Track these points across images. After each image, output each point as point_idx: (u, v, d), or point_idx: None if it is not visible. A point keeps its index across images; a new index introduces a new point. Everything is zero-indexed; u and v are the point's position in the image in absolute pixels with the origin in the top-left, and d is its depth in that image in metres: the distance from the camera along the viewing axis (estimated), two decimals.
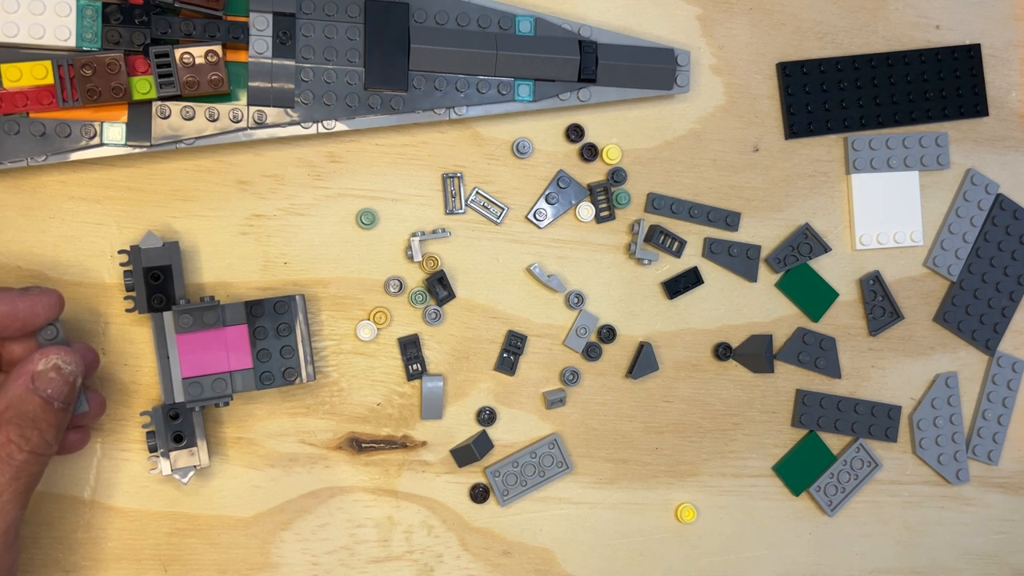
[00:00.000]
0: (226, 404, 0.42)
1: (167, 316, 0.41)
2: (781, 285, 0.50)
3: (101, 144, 0.41)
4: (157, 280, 0.41)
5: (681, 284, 0.48)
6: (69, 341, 0.39)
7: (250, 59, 0.42)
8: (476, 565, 0.47)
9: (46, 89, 0.40)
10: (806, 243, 0.50)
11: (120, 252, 0.41)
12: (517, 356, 0.47)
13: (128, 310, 0.41)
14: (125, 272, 0.41)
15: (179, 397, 0.41)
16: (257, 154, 0.45)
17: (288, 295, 0.43)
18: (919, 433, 0.51)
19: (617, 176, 0.47)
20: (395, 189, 0.46)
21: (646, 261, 0.48)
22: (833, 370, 0.50)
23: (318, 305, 0.45)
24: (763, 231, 0.50)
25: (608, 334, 0.48)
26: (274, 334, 0.42)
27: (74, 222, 0.43)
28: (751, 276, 0.49)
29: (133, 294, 0.41)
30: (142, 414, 0.41)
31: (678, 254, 0.48)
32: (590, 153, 0.47)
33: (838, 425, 0.50)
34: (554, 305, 0.48)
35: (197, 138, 0.42)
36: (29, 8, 0.40)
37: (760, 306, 0.50)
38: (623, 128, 0.48)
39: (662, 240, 0.48)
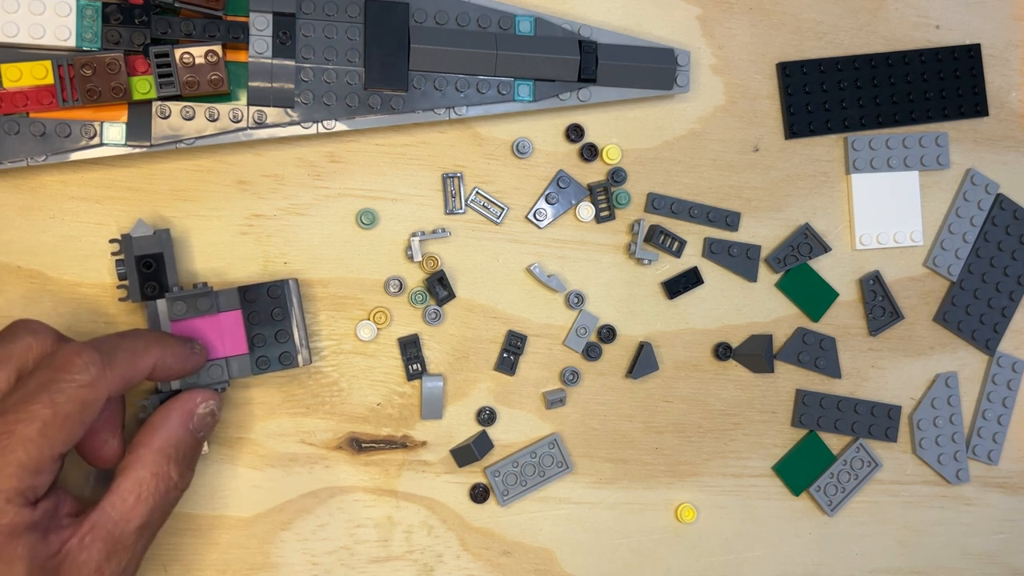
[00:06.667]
0: (223, 390, 0.42)
1: (161, 304, 0.41)
2: (781, 285, 0.50)
3: (101, 144, 0.41)
4: (149, 268, 0.41)
5: (681, 284, 0.48)
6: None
7: (250, 59, 0.42)
8: (476, 565, 0.47)
9: (46, 89, 0.40)
10: (806, 243, 0.50)
11: (111, 241, 0.41)
12: (517, 356, 0.47)
13: (122, 299, 0.41)
14: (117, 261, 0.41)
15: (175, 384, 0.41)
16: (257, 154, 0.45)
17: (281, 279, 0.42)
18: (919, 433, 0.51)
19: (617, 176, 0.47)
20: (395, 189, 0.46)
21: (646, 261, 0.48)
22: (833, 370, 0.50)
23: (318, 305, 0.45)
24: (763, 231, 0.50)
25: (608, 334, 0.48)
26: (269, 319, 0.42)
27: (74, 222, 0.43)
28: (751, 276, 0.49)
29: (126, 283, 0.41)
30: (139, 403, 0.41)
31: (678, 254, 0.48)
32: (590, 153, 0.47)
33: (838, 425, 0.50)
34: (554, 305, 0.48)
35: (197, 138, 0.42)
36: (29, 8, 0.40)
37: (760, 306, 0.50)
38: (623, 128, 0.48)
39: (662, 240, 0.48)
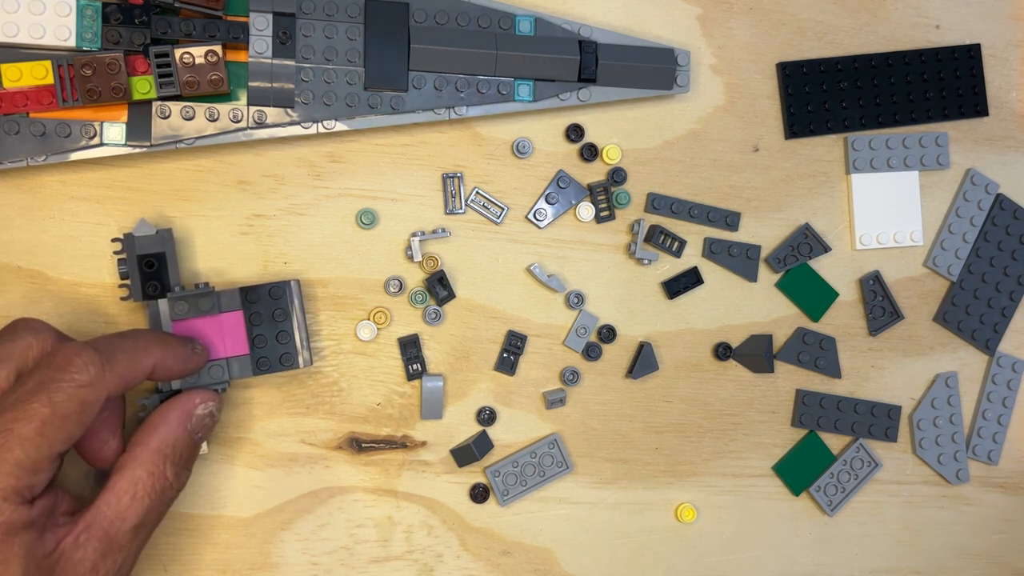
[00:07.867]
0: (223, 391, 0.42)
1: (162, 304, 0.41)
2: (781, 285, 0.50)
3: (101, 144, 0.41)
4: (151, 268, 0.41)
5: (681, 284, 0.48)
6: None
7: (250, 59, 0.42)
8: (476, 565, 0.47)
9: (46, 89, 0.40)
10: (806, 243, 0.50)
11: (114, 240, 0.41)
12: (517, 356, 0.47)
13: (123, 298, 0.41)
14: (119, 260, 0.41)
15: (175, 384, 0.41)
16: (257, 154, 0.45)
17: (283, 280, 0.42)
18: (919, 433, 0.51)
19: (617, 176, 0.47)
20: (395, 189, 0.46)
21: (646, 261, 0.48)
22: (833, 370, 0.50)
23: (318, 305, 0.45)
24: (763, 231, 0.50)
25: (608, 334, 0.48)
26: (270, 320, 0.42)
27: (74, 222, 0.43)
28: (751, 276, 0.49)
29: (127, 282, 0.41)
30: (139, 402, 0.41)
31: (678, 254, 0.48)
32: (590, 153, 0.47)
33: (838, 425, 0.50)
34: (554, 305, 0.48)
35: (197, 138, 0.42)
36: (29, 8, 0.40)
37: (760, 306, 0.50)
38: (623, 128, 0.48)
39: (662, 240, 0.48)
